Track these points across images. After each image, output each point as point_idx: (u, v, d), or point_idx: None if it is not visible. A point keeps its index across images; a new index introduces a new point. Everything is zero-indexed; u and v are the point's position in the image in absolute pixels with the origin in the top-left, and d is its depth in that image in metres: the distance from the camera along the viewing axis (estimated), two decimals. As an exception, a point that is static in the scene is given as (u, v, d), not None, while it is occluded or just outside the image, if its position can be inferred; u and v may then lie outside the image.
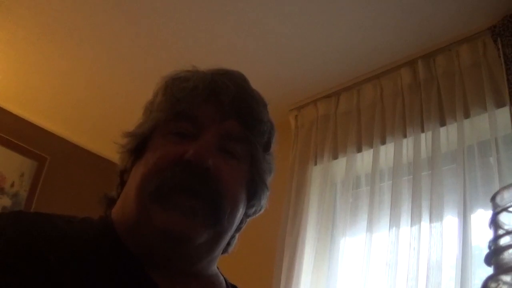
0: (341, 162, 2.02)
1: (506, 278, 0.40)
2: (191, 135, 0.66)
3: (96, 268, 0.59)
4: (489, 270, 0.42)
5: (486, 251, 0.43)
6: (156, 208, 0.62)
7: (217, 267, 0.75)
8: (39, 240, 0.58)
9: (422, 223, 1.62)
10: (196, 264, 0.67)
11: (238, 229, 0.76)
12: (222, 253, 0.77)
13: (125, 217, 0.66)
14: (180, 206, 0.61)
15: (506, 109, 1.59)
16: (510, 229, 0.41)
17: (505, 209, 0.42)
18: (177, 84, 0.69)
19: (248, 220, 0.78)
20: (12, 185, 2.68)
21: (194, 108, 0.67)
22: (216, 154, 0.65)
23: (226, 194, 0.64)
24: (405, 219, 1.68)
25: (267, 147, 0.73)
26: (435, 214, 1.59)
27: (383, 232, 1.73)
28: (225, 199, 0.64)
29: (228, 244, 0.77)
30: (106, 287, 0.58)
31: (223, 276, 0.75)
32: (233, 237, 0.77)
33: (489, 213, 0.56)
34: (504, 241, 0.41)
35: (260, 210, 0.77)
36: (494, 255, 0.42)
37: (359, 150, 1.97)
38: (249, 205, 0.73)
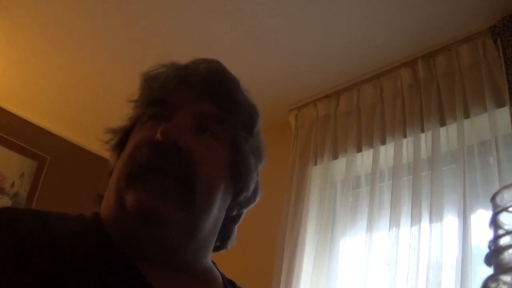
0: (341, 162, 2.02)
1: (506, 278, 0.40)
2: (165, 118, 0.65)
3: (84, 264, 0.57)
4: (489, 270, 0.42)
5: (486, 251, 0.43)
6: (129, 192, 0.61)
7: (213, 263, 0.73)
8: (26, 237, 0.57)
9: (422, 223, 1.62)
10: (178, 251, 0.64)
11: (231, 220, 0.73)
12: (221, 249, 0.75)
13: (107, 209, 0.65)
14: (148, 185, 0.60)
15: (506, 109, 1.59)
16: (510, 229, 0.41)
17: (505, 209, 0.42)
18: (151, 76, 0.71)
19: (244, 211, 0.75)
20: (12, 185, 2.68)
21: (167, 93, 0.67)
22: (190, 133, 0.64)
23: (198, 172, 0.62)
24: (405, 219, 1.68)
25: (249, 129, 0.71)
26: (435, 214, 1.59)
27: (383, 232, 1.73)
28: (197, 177, 0.62)
29: (226, 238, 0.75)
30: (94, 282, 0.56)
31: (219, 271, 0.73)
32: (230, 230, 0.75)
33: (489, 213, 0.56)
34: (504, 241, 0.41)
35: (253, 198, 0.74)
36: (494, 255, 0.41)
37: (359, 150, 1.97)
38: (237, 191, 0.70)
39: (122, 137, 0.70)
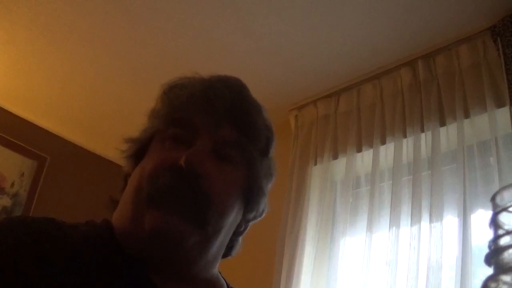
0: (341, 162, 2.02)
1: (506, 278, 0.40)
2: (186, 141, 0.67)
3: (97, 269, 0.59)
4: (489, 270, 0.42)
5: (486, 251, 0.43)
6: (149, 211, 0.63)
7: (219, 271, 0.75)
8: (44, 241, 0.58)
9: (422, 223, 1.62)
10: (191, 267, 0.67)
11: (238, 233, 0.76)
12: (225, 256, 0.78)
13: (122, 221, 0.67)
14: (170, 208, 0.62)
15: (506, 109, 1.59)
16: (510, 229, 0.41)
17: (505, 209, 0.42)
18: (174, 92, 0.71)
19: (249, 224, 0.78)
20: (12, 185, 2.68)
21: (189, 115, 0.68)
22: (209, 160, 0.66)
23: (214, 199, 0.65)
24: (405, 219, 1.68)
25: (265, 152, 0.74)
26: (435, 214, 1.59)
27: (383, 232, 1.73)
28: (213, 205, 0.65)
29: (231, 247, 0.78)
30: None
31: (224, 280, 0.76)
32: (235, 240, 0.78)
33: (489, 213, 0.56)
34: (504, 241, 0.41)
35: (260, 215, 0.77)
36: (494, 255, 0.41)
37: (359, 150, 1.97)
38: (247, 210, 0.73)
39: (140, 147, 0.72)
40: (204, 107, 0.68)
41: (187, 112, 0.68)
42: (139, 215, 0.64)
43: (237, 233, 0.76)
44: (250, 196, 0.72)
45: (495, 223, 0.43)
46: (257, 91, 0.77)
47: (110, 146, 2.77)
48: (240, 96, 0.71)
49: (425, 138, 1.78)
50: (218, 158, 0.67)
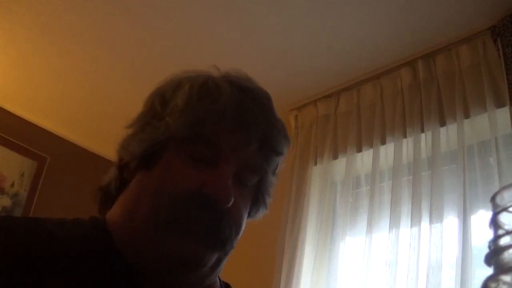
0: (341, 162, 2.02)
1: (506, 278, 0.40)
2: (209, 160, 0.65)
3: (87, 271, 0.58)
4: (489, 270, 0.42)
5: (486, 251, 0.43)
6: (170, 235, 0.61)
7: None
8: (28, 243, 0.57)
9: (422, 223, 1.62)
10: (197, 285, 0.68)
11: None
12: None
13: (128, 229, 0.65)
14: (195, 234, 0.61)
15: (506, 109, 1.59)
16: (510, 229, 0.41)
17: (505, 209, 0.42)
18: (201, 102, 0.66)
19: None
20: (12, 185, 2.68)
21: (217, 134, 0.65)
22: (233, 188, 0.64)
23: (234, 226, 0.66)
24: (405, 219, 1.68)
25: (274, 171, 0.74)
26: (435, 214, 1.59)
27: (383, 232, 1.73)
28: (233, 231, 0.65)
29: None
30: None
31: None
32: None
33: (489, 213, 0.56)
34: (504, 241, 0.41)
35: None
36: (494, 255, 0.41)
37: (359, 150, 1.97)
38: (249, 216, 0.74)
39: (150, 149, 0.67)
40: (235, 131, 0.65)
41: (214, 130, 0.65)
42: (157, 234, 0.62)
43: None
44: (256, 209, 0.73)
45: (495, 223, 0.43)
46: (257, 91, 0.77)
47: (110, 146, 2.78)
48: (271, 124, 0.69)
49: (425, 138, 1.78)
50: (238, 181, 0.66)
